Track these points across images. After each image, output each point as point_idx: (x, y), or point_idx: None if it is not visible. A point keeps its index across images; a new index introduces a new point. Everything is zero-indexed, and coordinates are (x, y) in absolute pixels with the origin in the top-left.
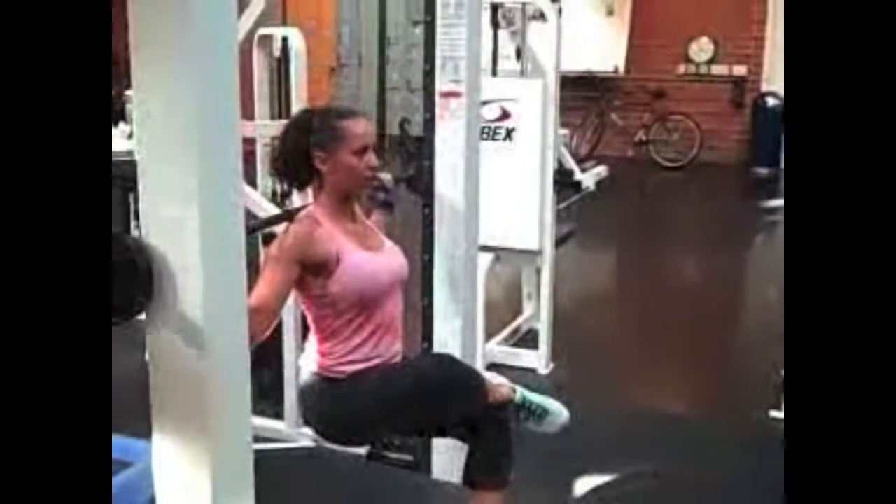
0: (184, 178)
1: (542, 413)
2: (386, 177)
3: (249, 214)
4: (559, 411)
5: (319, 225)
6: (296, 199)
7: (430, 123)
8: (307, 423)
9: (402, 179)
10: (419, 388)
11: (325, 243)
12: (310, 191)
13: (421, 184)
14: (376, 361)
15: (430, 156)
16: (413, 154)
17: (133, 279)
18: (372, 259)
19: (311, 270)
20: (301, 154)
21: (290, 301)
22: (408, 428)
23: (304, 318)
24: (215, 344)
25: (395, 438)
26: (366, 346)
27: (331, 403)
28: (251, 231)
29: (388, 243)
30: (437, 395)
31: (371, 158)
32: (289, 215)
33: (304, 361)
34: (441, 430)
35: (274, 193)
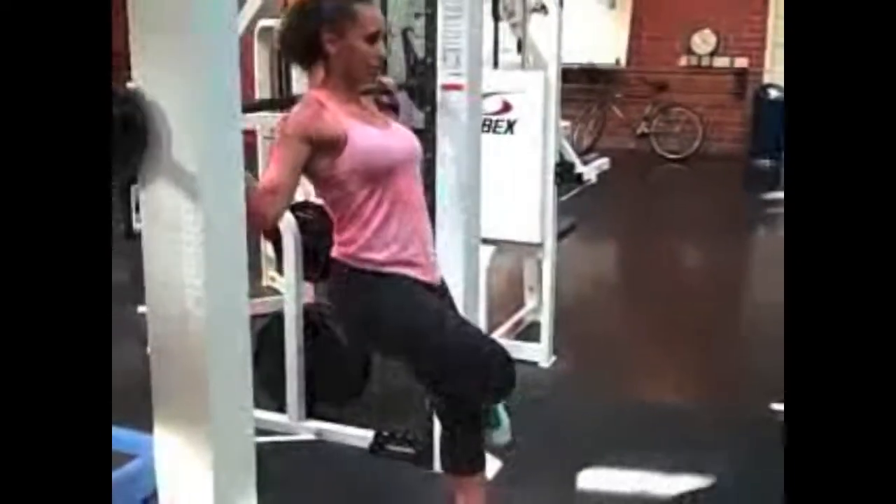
0: (185, 168)
1: (496, 423)
2: (389, 80)
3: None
4: (507, 431)
5: (324, 106)
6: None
7: (431, 116)
8: (334, 316)
9: (404, 86)
10: (441, 344)
11: (331, 122)
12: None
13: (422, 94)
14: (405, 255)
15: (432, 148)
16: (415, 66)
17: (129, 131)
18: (379, 134)
19: (320, 150)
20: (310, 33)
21: (292, 295)
22: (407, 359)
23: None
24: (215, 331)
25: (397, 429)
26: (388, 230)
27: (358, 293)
28: (249, 110)
29: (396, 125)
30: (458, 365)
31: (379, 47)
32: (291, 100)
33: (335, 253)
34: (433, 385)
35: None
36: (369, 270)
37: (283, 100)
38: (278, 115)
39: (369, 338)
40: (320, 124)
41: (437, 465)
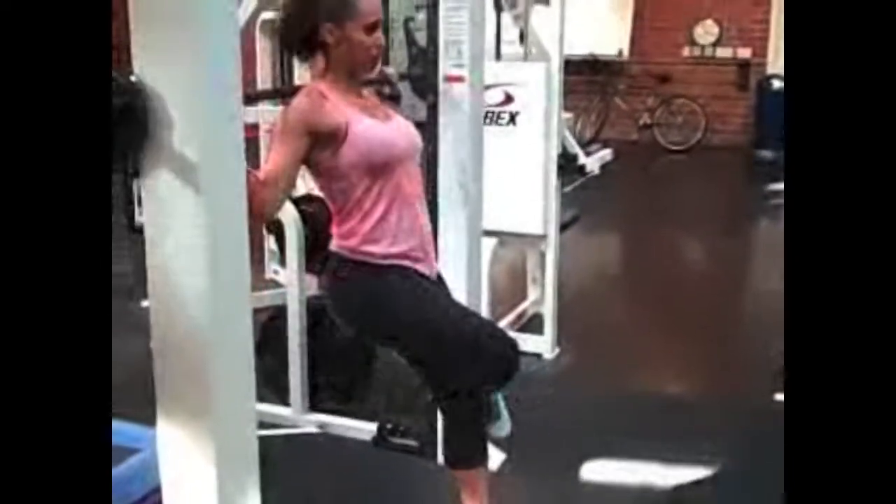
0: (187, 159)
1: (497, 415)
2: (390, 70)
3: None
4: (506, 423)
5: (325, 97)
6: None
7: (433, 108)
8: (333, 308)
9: (405, 76)
10: (440, 334)
11: (332, 113)
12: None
13: (423, 84)
14: (405, 248)
15: (434, 141)
16: (417, 57)
17: (130, 120)
18: (380, 126)
19: (321, 141)
20: (309, 25)
21: (294, 289)
22: (408, 350)
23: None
24: (219, 325)
25: (399, 421)
26: (387, 222)
27: (358, 286)
28: (251, 100)
29: (397, 116)
30: (461, 351)
31: (379, 37)
32: (292, 90)
33: (333, 246)
34: (435, 376)
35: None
36: (369, 263)
37: (284, 89)
38: (280, 109)
39: (371, 329)
40: (321, 115)
41: (440, 458)
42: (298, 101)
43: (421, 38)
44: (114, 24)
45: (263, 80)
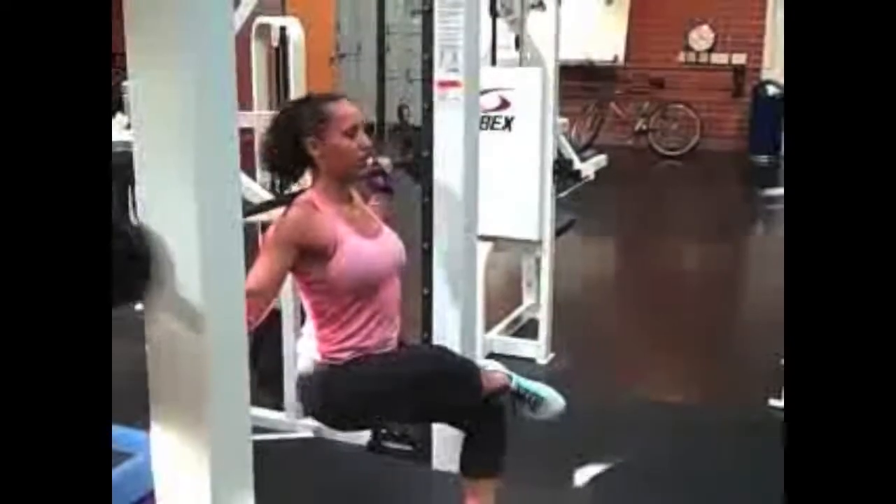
0: (182, 167)
1: (537, 400)
2: (384, 161)
3: (248, 205)
4: (554, 398)
5: (317, 210)
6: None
7: (428, 113)
8: (305, 408)
9: (400, 165)
10: (417, 378)
11: (323, 228)
12: (307, 178)
13: (419, 170)
14: (373, 348)
15: (430, 145)
16: (411, 141)
17: (133, 265)
18: (370, 245)
19: (309, 255)
20: (292, 144)
21: (290, 290)
22: (405, 416)
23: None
24: (214, 331)
25: (393, 427)
26: (363, 331)
27: (329, 388)
28: (248, 214)
29: (386, 229)
30: (435, 385)
31: (362, 138)
32: (286, 200)
33: (301, 347)
34: (439, 418)
35: (273, 184)
36: (338, 365)
37: (282, 199)
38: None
39: (364, 419)
40: (312, 231)
41: (434, 462)
42: (291, 214)
43: (416, 43)
44: (114, 30)
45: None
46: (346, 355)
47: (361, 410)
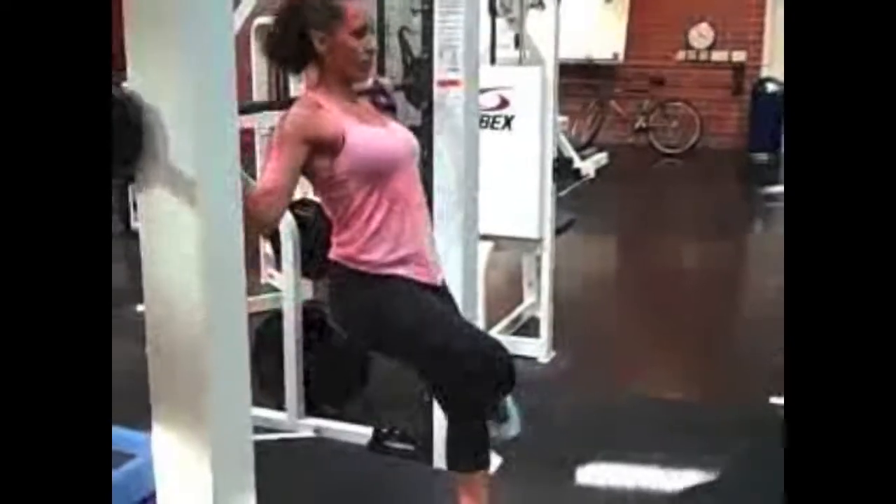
0: (182, 168)
1: (505, 416)
2: (385, 81)
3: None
4: (517, 422)
5: (321, 107)
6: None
7: (428, 113)
8: (335, 316)
9: (400, 87)
10: (439, 346)
11: (329, 123)
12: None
13: (418, 94)
14: (404, 255)
15: (430, 145)
16: (412, 64)
17: (125, 133)
18: (377, 133)
19: (318, 150)
20: (298, 35)
21: (292, 290)
22: (396, 356)
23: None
24: (215, 331)
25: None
26: (387, 230)
27: (357, 295)
28: (245, 111)
29: (393, 123)
30: (452, 365)
31: (370, 40)
32: (287, 102)
33: (332, 255)
34: (430, 382)
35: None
36: (368, 273)
37: (279, 101)
38: (276, 113)
39: (369, 339)
40: (318, 125)
41: (436, 461)
42: (295, 112)
43: (416, 44)
44: (114, 31)
45: (258, 88)
46: (374, 258)
47: (375, 330)
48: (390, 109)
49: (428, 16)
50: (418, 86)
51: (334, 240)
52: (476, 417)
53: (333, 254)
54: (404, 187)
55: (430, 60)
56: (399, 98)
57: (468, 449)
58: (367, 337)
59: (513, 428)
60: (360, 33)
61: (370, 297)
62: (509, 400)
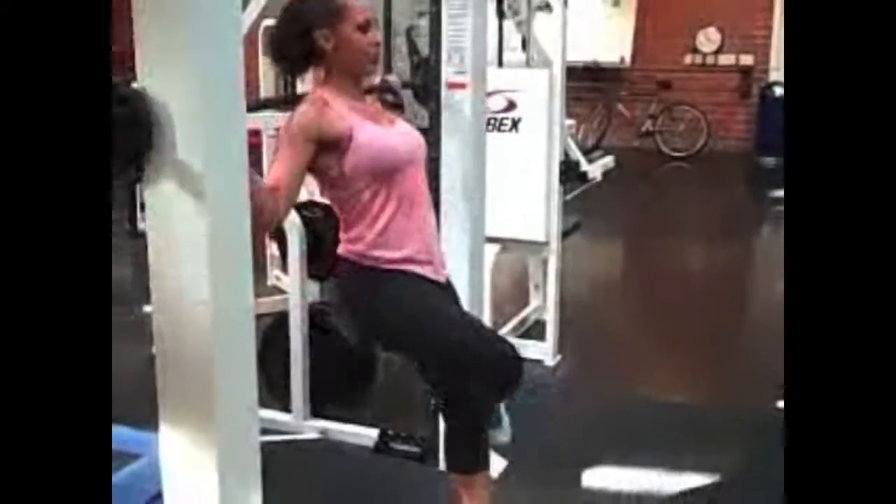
0: (190, 166)
1: (498, 421)
2: (393, 78)
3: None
4: (507, 430)
5: (328, 104)
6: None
7: (435, 115)
8: (345, 313)
9: (408, 85)
10: (446, 344)
11: (336, 120)
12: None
13: (426, 93)
14: (412, 253)
15: (437, 147)
16: (420, 64)
17: (133, 130)
18: (384, 132)
19: (326, 148)
20: (302, 35)
21: (297, 291)
22: (415, 355)
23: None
24: (220, 331)
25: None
26: (394, 228)
27: (365, 290)
28: (253, 109)
29: (401, 121)
30: (456, 360)
31: (374, 34)
32: (294, 98)
33: (341, 252)
34: (439, 382)
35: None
36: (376, 268)
37: (287, 97)
38: (283, 115)
39: (376, 335)
40: (325, 122)
41: (442, 464)
42: (302, 110)
43: (423, 45)
44: (123, 31)
45: (266, 88)
46: (381, 254)
47: (382, 326)
48: (398, 107)
49: (436, 18)
50: (425, 84)
51: (342, 236)
52: (476, 417)
53: (342, 249)
54: (411, 186)
55: (437, 62)
56: (406, 96)
57: (468, 449)
58: (374, 331)
59: (505, 433)
60: (364, 28)
61: (378, 293)
62: (501, 407)
